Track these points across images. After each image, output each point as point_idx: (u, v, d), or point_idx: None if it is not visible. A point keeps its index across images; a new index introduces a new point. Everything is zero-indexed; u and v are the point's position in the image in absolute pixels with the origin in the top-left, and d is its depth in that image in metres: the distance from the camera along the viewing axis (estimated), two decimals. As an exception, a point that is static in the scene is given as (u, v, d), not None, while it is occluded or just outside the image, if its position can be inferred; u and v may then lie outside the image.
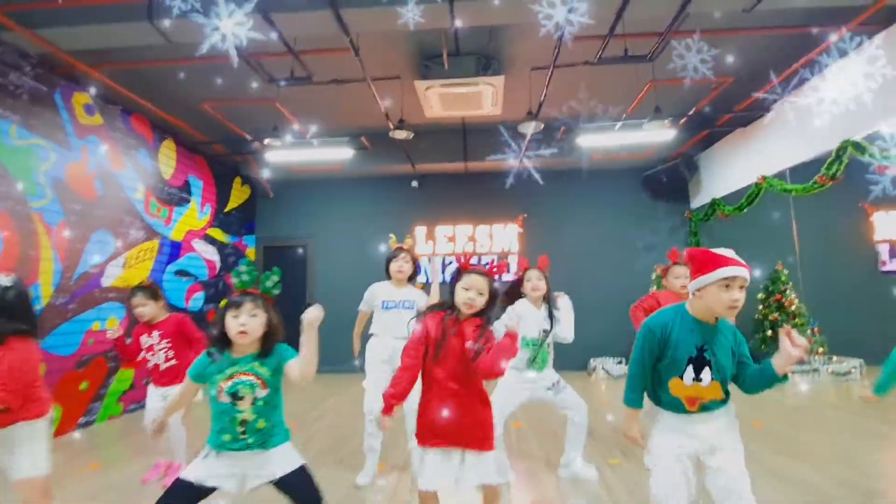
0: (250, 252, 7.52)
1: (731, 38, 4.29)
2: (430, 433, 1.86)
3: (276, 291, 1.76)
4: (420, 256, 7.36)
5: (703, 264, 1.60)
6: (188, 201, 6.02)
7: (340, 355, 7.48)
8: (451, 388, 1.86)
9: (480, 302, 1.89)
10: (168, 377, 2.92)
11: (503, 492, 2.41)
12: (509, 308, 2.88)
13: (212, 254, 6.45)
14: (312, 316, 1.61)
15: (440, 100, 5.04)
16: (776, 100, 5.22)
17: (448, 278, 7.94)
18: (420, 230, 7.54)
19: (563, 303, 2.86)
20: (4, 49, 3.72)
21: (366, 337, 3.07)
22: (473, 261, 1.94)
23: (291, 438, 1.76)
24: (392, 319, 2.88)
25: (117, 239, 4.80)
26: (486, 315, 1.91)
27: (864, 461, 3.06)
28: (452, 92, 4.86)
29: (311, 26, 3.63)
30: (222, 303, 1.73)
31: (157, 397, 2.95)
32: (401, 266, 2.95)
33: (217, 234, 6.60)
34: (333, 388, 5.75)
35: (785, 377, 1.54)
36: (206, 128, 5.87)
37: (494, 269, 1.94)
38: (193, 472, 1.64)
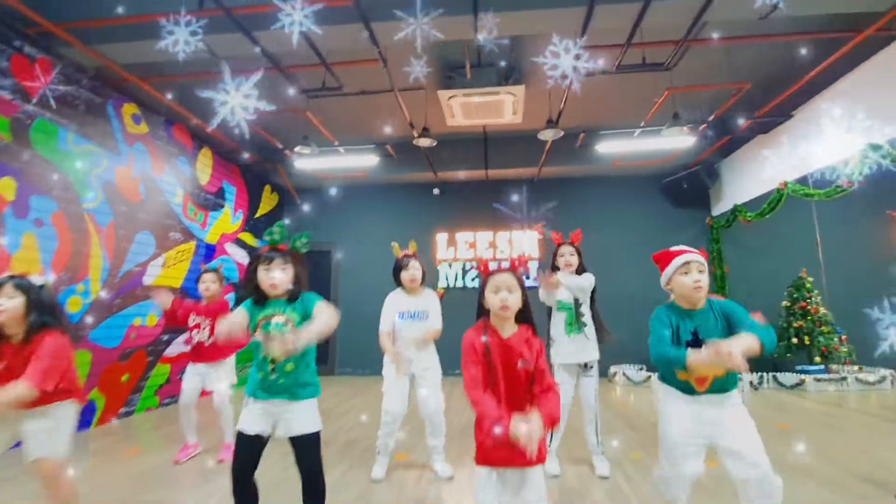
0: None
1: (749, 45, 4.38)
2: (487, 454, 1.68)
3: (304, 250, 1.95)
4: (440, 262, 7.59)
5: (663, 261, 1.89)
6: (222, 206, 6.33)
7: (365, 359, 7.72)
8: (505, 409, 1.65)
9: (514, 301, 1.69)
10: (208, 354, 3.27)
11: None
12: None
13: (242, 257, 6.74)
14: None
15: (462, 109, 5.23)
16: (797, 105, 5.26)
17: (468, 283, 7.94)
18: (441, 237, 7.72)
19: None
20: (64, 63, 4.07)
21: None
22: (493, 265, 1.80)
23: (321, 395, 1.89)
24: (406, 329, 2.97)
25: (157, 240, 5.10)
26: (530, 319, 1.75)
27: (873, 454, 3.06)
28: (474, 101, 5.04)
29: (343, 39, 3.88)
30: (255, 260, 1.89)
31: (193, 374, 3.29)
32: (412, 275, 2.97)
33: (248, 238, 6.90)
34: (358, 389, 5.91)
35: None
36: (241, 137, 6.19)
37: (517, 263, 1.84)
38: (242, 422, 1.83)
